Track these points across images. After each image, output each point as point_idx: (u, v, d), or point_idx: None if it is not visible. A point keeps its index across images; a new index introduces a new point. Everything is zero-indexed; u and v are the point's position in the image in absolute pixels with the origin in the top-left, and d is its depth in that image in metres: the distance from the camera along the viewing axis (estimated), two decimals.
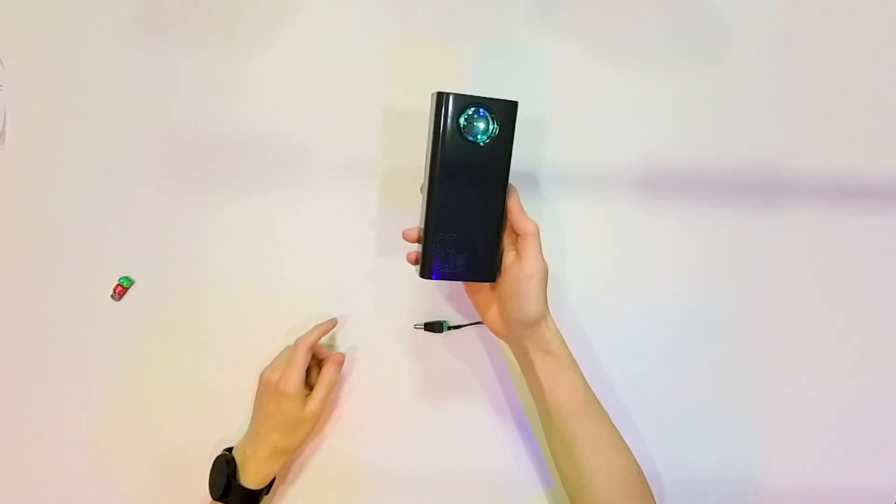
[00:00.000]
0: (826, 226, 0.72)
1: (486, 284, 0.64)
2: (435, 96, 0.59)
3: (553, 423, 0.63)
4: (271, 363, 0.69)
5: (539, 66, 0.73)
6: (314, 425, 0.68)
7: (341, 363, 0.70)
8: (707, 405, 0.72)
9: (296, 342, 0.68)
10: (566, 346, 0.63)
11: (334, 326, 0.71)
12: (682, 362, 0.72)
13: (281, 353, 0.70)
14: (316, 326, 0.69)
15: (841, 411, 0.72)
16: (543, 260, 0.61)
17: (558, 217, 0.72)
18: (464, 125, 0.58)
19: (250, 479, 0.66)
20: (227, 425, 0.71)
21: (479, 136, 0.59)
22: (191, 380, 0.72)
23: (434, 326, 0.71)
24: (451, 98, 0.58)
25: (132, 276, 0.72)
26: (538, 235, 0.61)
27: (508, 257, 0.62)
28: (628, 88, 0.73)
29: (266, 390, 0.67)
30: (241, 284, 0.71)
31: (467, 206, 0.59)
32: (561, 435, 0.62)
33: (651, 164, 0.72)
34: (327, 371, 0.68)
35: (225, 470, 0.66)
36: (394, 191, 0.72)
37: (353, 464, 0.72)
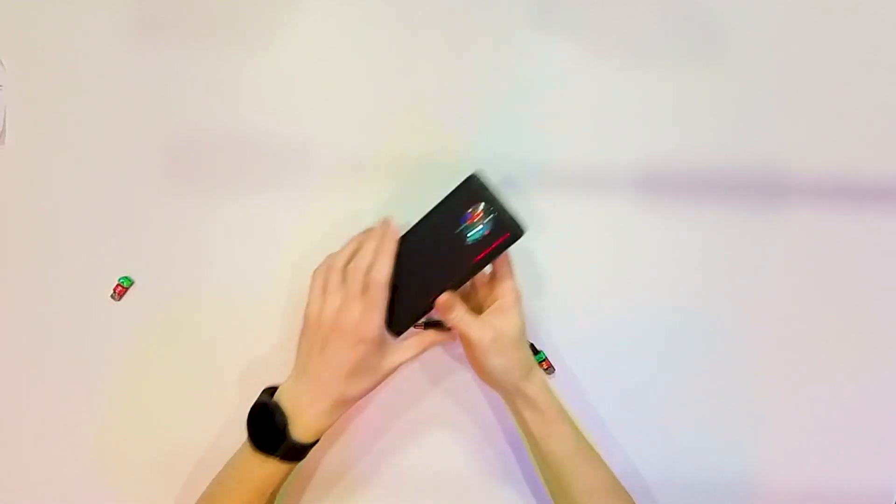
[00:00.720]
0: (826, 226, 0.72)
1: (486, 336, 0.60)
2: (471, 176, 0.61)
3: (546, 466, 0.63)
4: (327, 294, 0.59)
5: (539, 66, 0.73)
6: (390, 373, 0.60)
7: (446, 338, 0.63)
8: (706, 405, 0.72)
9: (371, 277, 0.57)
10: (553, 398, 0.62)
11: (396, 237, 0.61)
12: (682, 362, 0.72)
13: (329, 276, 0.59)
14: (382, 253, 0.59)
15: (841, 411, 0.72)
16: (522, 321, 0.61)
17: (557, 217, 0.72)
18: (466, 217, 0.60)
19: (305, 432, 0.59)
20: (228, 425, 0.71)
21: (468, 234, 0.60)
22: (191, 380, 0.72)
23: (436, 325, 0.70)
24: (478, 185, 0.60)
25: (132, 276, 0.72)
26: (520, 300, 0.61)
27: (481, 318, 0.61)
28: (628, 88, 0.72)
29: (340, 333, 0.57)
30: (240, 284, 0.71)
31: (418, 270, 0.61)
32: (556, 479, 0.63)
33: (651, 164, 0.72)
34: (434, 334, 0.63)
35: (273, 421, 0.58)
36: (394, 191, 0.72)
37: (353, 464, 0.72)
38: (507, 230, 0.59)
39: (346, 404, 0.60)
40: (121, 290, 0.71)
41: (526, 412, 0.62)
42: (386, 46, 0.73)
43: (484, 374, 0.63)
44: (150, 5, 0.72)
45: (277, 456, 0.59)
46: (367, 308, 0.58)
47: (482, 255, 0.60)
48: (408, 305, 0.62)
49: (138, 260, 0.72)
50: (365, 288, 0.58)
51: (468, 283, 0.63)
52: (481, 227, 0.60)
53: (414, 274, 0.61)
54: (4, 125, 0.72)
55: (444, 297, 0.60)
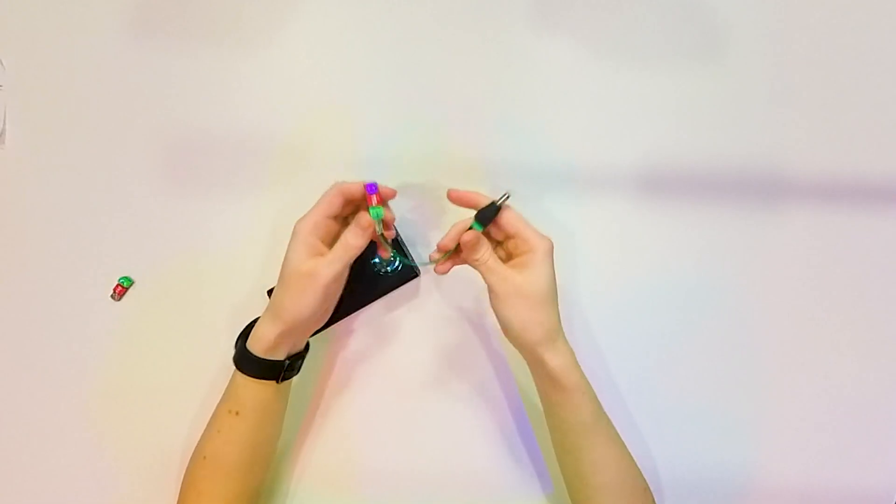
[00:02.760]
0: (826, 226, 0.72)
1: (509, 287, 0.57)
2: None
3: (559, 436, 0.62)
4: None
5: (539, 66, 0.73)
6: (322, 299, 0.59)
7: (369, 227, 0.58)
8: (707, 405, 0.72)
9: (332, 185, 0.59)
10: (574, 370, 0.59)
11: (393, 195, 0.60)
12: (682, 362, 0.72)
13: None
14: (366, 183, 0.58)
15: (841, 411, 0.72)
16: (547, 279, 0.57)
17: (558, 217, 0.72)
18: (380, 256, 0.67)
19: (255, 343, 0.60)
20: None
21: (380, 268, 0.70)
22: (190, 380, 0.71)
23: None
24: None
25: (132, 276, 0.72)
26: (550, 255, 0.57)
27: (504, 267, 0.58)
28: (628, 88, 0.73)
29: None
30: (240, 284, 0.71)
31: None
32: (567, 449, 0.62)
33: (651, 164, 0.72)
34: (350, 234, 0.58)
35: (242, 333, 0.62)
36: None
37: (353, 464, 0.71)
38: (410, 270, 0.69)
39: (278, 317, 0.59)
40: (121, 290, 0.71)
41: (544, 377, 0.59)
42: (386, 47, 0.73)
43: (503, 328, 0.59)
44: (150, 5, 0.72)
45: (236, 363, 0.61)
46: (312, 208, 0.59)
47: (386, 286, 0.69)
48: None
49: (138, 260, 0.72)
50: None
51: (498, 230, 0.60)
52: (391, 265, 0.69)
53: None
54: (4, 125, 0.72)
55: (469, 234, 0.58)
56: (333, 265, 0.58)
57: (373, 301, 0.70)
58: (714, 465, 0.71)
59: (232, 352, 0.63)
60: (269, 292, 0.69)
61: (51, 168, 0.72)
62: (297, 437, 0.71)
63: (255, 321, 0.63)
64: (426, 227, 0.72)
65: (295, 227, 0.59)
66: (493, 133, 0.73)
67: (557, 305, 0.59)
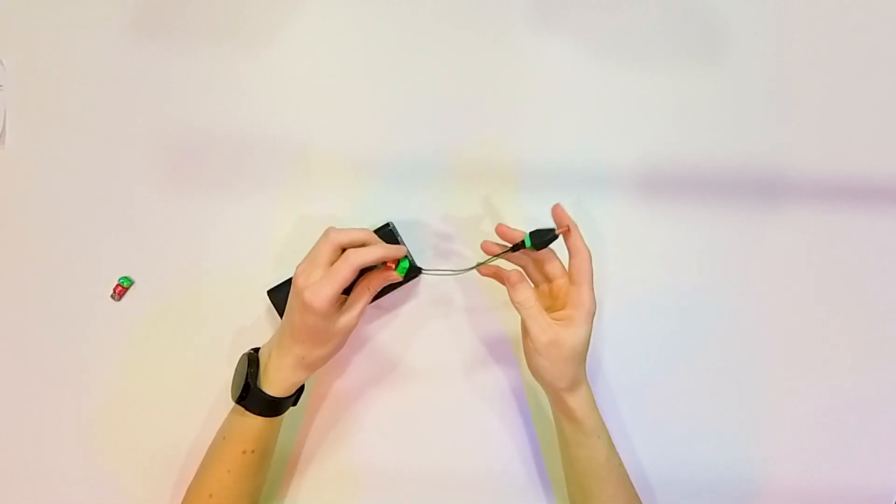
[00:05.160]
0: (826, 226, 0.72)
1: (547, 338, 0.58)
2: (386, 223, 0.68)
3: (573, 471, 0.64)
4: (308, 256, 0.60)
5: (539, 66, 0.73)
6: (346, 339, 0.62)
7: (383, 282, 0.61)
8: (706, 405, 0.72)
9: (347, 254, 0.57)
10: (593, 414, 0.61)
11: (402, 255, 0.61)
12: (682, 362, 0.72)
13: (319, 243, 0.60)
14: (378, 246, 0.60)
15: (841, 411, 0.72)
16: (585, 339, 0.58)
17: None
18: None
19: (272, 385, 0.60)
20: None
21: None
22: (190, 380, 0.71)
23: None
24: (389, 232, 0.67)
25: (132, 276, 0.72)
26: (592, 316, 0.58)
27: (548, 318, 0.58)
28: (628, 88, 0.73)
29: (294, 295, 0.58)
30: (240, 284, 0.71)
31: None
32: (579, 486, 0.63)
33: (651, 164, 0.72)
34: (371, 282, 0.60)
35: (245, 371, 0.61)
36: (393, 191, 0.72)
37: (353, 464, 0.71)
38: (412, 270, 0.65)
39: (308, 367, 0.61)
40: (121, 290, 0.71)
41: (564, 418, 0.62)
42: (386, 47, 0.73)
43: (531, 370, 0.61)
44: (150, 5, 0.72)
45: (247, 405, 0.61)
46: (325, 279, 0.57)
47: (387, 286, 0.65)
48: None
49: (138, 260, 0.72)
50: (336, 262, 0.58)
51: (543, 276, 0.63)
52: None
53: None
54: (4, 125, 0.72)
55: (516, 275, 0.59)
56: (359, 314, 0.61)
57: (373, 301, 0.70)
58: (713, 465, 0.71)
59: (231, 365, 0.63)
60: (270, 292, 0.69)
61: (51, 168, 0.72)
62: (297, 437, 0.71)
63: (250, 356, 0.62)
64: (426, 227, 0.72)
65: (310, 301, 0.56)
66: (493, 133, 0.73)
67: (585, 360, 0.60)
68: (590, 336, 0.59)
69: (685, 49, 0.73)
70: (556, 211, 0.60)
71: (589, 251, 0.59)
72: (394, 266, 0.61)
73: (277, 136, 0.72)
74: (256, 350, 0.65)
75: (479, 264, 0.63)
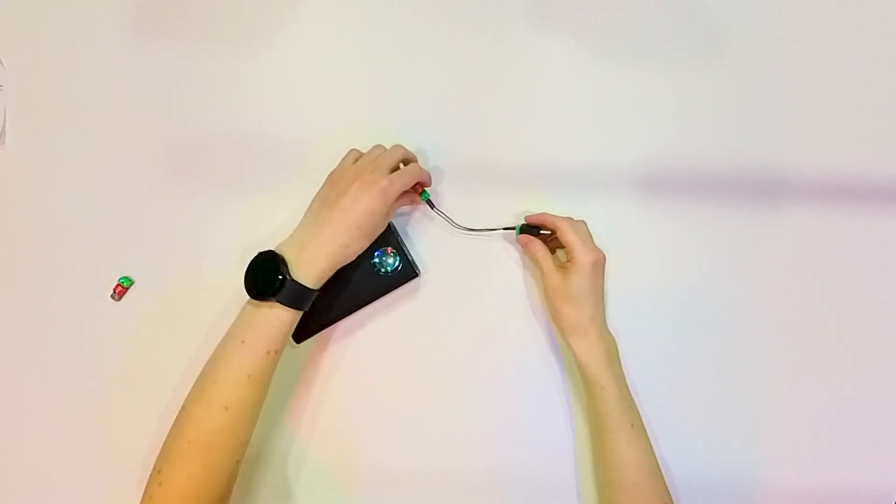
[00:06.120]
0: (826, 226, 0.72)
1: (551, 282, 0.66)
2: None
3: (589, 422, 0.68)
4: (368, 156, 0.66)
5: (539, 66, 0.73)
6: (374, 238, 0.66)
7: (409, 201, 0.71)
8: (706, 405, 0.72)
9: (412, 166, 0.68)
10: (598, 366, 0.64)
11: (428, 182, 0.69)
12: (682, 362, 0.72)
13: (390, 151, 0.67)
14: (423, 170, 0.68)
15: (841, 411, 0.72)
16: (585, 283, 0.65)
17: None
18: (380, 252, 0.69)
19: (307, 277, 0.61)
20: None
21: (381, 266, 0.69)
22: (190, 380, 0.71)
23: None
24: (388, 231, 0.68)
25: (132, 276, 0.72)
26: (589, 265, 0.65)
27: (551, 272, 0.66)
28: (628, 88, 0.73)
29: (361, 186, 0.62)
30: (240, 284, 0.71)
31: (330, 291, 0.65)
32: (592, 438, 0.68)
33: (651, 164, 0.72)
34: (400, 200, 0.67)
35: (271, 267, 0.60)
36: None
37: (352, 464, 0.71)
38: (410, 270, 0.69)
39: (346, 257, 0.63)
40: (121, 290, 0.71)
41: (575, 363, 0.66)
42: (386, 47, 0.73)
43: (549, 312, 0.69)
44: (150, 5, 0.72)
45: (282, 298, 0.60)
46: (399, 176, 0.64)
47: (386, 286, 0.69)
48: (314, 319, 0.67)
49: (138, 260, 0.72)
50: (405, 168, 0.67)
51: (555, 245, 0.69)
52: (392, 260, 0.69)
53: (325, 293, 0.64)
54: (4, 125, 0.72)
55: (521, 238, 0.69)
56: (391, 214, 0.67)
57: (372, 301, 0.70)
58: (713, 465, 0.71)
59: None
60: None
61: (51, 168, 0.72)
62: (297, 436, 0.71)
63: (260, 259, 0.62)
64: (426, 227, 0.72)
65: (386, 189, 0.62)
66: (493, 133, 0.73)
67: (592, 308, 0.65)
68: (587, 283, 0.65)
69: (685, 49, 0.73)
70: (535, 221, 0.69)
71: (567, 220, 0.67)
72: (419, 192, 0.69)
73: (277, 136, 0.72)
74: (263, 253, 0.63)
75: (518, 227, 0.70)
